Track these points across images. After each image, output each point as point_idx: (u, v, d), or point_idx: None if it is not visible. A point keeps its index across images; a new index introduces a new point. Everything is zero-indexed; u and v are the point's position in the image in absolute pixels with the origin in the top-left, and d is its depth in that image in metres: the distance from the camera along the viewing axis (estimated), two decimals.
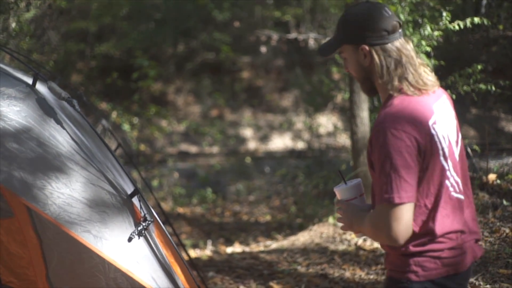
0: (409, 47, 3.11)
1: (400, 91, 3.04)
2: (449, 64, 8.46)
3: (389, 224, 2.89)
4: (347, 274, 6.39)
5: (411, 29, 7.62)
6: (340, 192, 3.26)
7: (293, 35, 11.95)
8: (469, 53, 11.50)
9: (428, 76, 3.12)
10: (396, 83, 3.04)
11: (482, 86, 7.77)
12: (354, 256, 6.73)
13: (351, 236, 7.09)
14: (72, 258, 4.25)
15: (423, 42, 7.55)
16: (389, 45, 3.06)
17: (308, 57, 14.64)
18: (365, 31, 3.06)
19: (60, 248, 4.30)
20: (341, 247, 6.93)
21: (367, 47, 3.06)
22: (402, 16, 7.53)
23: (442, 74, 8.14)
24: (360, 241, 6.97)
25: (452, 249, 3.06)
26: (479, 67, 7.77)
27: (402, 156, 2.88)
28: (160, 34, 16.06)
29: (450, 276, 3.06)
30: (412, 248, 3.03)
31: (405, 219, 2.89)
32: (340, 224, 3.31)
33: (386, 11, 3.08)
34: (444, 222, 3.03)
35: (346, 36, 3.11)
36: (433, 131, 3.00)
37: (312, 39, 12.53)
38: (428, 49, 7.60)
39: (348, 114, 8.04)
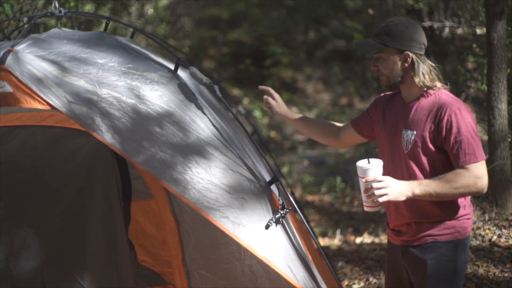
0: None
1: (434, 88, 3.84)
2: None
3: (482, 177, 3.69)
4: (481, 270, 6.21)
5: None
6: (377, 168, 3.71)
7: (428, 23, 11.68)
8: None
9: None
10: (428, 83, 3.83)
11: None
12: (488, 253, 6.52)
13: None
14: (208, 243, 4.29)
15: None
16: (423, 56, 3.86)
17: (441, 45, 14.32)
18: (412, 41, 3.82)
19: (197, 233, 4.34)
20: (475, 242, 6.73)
21: (410, 54, 3.81)
22: None
23: None
24: (494, 237, 6.76)
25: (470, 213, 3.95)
26: None
27: (476, 126, 3.77)
28: (292, 21, 16.05)
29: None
30: (461, 212, 3.87)
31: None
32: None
33: (423, 30, 3.91)
34: None
35: (395, 42, 3.81)
36: None
37: (447, 28, 12.22)
38: None
39: (484, 105, 7.77)
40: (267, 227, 3.75)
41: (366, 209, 3.79)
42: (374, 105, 4.25)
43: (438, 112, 3.76)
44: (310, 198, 10.83)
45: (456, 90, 11.61)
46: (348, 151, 13.15)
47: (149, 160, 3.69)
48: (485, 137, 7.41)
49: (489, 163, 6.92)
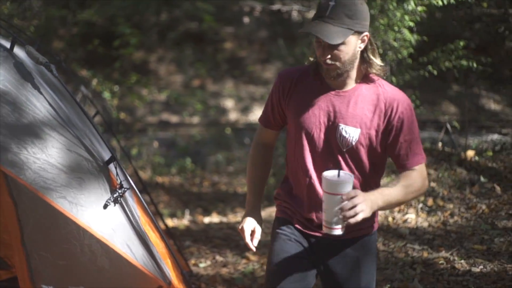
0: None
1: (379, 71, 3.38)
2: (432, 40, 8.46)
3: (426, 177, 3.39)
4: None
5: (394, 4, 7.58)
6: (349, 183, 3.04)
7: (276, 6, 11.88)
8: (452, 29, 11.47)
9: None
10: (381, 66, 3.36)
11: (464, 62, 7.79)
12: None
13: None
14: (47, 223, 4.24)
15: (406, 17, 7.52)
16: None
17: (291, 29, 14.59)
18: (368, 20, 3.24)
19: (36, 214, 4.28)
20: None
21: (368, 35, 3.27)
22: None
23: (424, 50, 8.15)
24: None
25: None
26: (462, 43, 7.78)
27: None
28: (143, 2, 15.93)
29: None
30: None
31: None
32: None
33: None
34: None
35: (359, 24, 3.20)
36: None
37: (295, 11, 12.46)
38: (411, 24, 7.57)
39: None
40: (105, 206, 3.75)
41: (333, 232, 3.08)
42: (281, 86, 3.54)
43: (388, 108, 3.32)
44: (160, 179, 10.85)
45: None
46: (200, 131, 13.23)
47: None
48: None
49: None
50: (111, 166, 3.85)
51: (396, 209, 7.11)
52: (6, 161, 3.60)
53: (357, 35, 3.21)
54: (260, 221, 3.67)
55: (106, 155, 3.97)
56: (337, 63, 3.23)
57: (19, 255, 4.40)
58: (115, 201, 3.76)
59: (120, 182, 3.79)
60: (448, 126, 8.24)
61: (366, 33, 3.24)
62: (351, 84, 3.35)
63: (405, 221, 6.82)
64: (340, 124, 3.33)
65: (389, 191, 3.19)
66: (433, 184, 7.32)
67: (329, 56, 3.22)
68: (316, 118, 3.38)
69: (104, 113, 8.73)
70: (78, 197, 3.70)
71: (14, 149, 3.62)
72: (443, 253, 5.92)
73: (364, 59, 3.33)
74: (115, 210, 3.80)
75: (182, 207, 9.25)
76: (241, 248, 7.01)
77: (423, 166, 3.35)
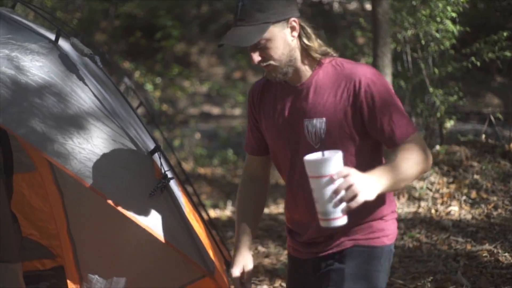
0: None
1: (329, 54, 3.00)
2: (475, 31, 8.39)
3: (426, 147, 2.90)
4: None
5: None
6: (337, 160, 2.56)
7: None
8: (495, 20, 11.36)
9: None
10: (324, 48, 2.97)
11: (507, 53, 7.70)
12: None
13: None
14: (93, 213, 4.29)
15: (449, 8, 7.47)
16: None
17: (332, 20, 14.55)
18: (291, 4, 2.91)
19: (81, 203, 4.34)
20: None
21: (297, 20, 2.91)
22: None
23: (467, 41, 8.08)
24: None
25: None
26: (505, 34, 7.69)
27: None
28: None
29: None
30: (394, 210, 3.14)
31: None
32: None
33: None
34: None
35: (276, 14, 2.86)
36: None
37: (336, 3, 12.43)
38: (454, 15, 7.52)
39: None
40: (149, 196, 3.79)
41: (333, 223, 2.58)
42: (252, 105, 3.24)
43: (350, 85, 2.90)
44: (202, 171, 10.89)
45: None
46: (241, 123, 13.25)
47: (30, 131, 3.65)
48: None
49: None
50: (155, 156, 3.88)
51: (439, 201, 7.06)
52: (52, 151, 3.65)
53: (281, 25, 2.87)
54: (247, 260, 3.39)
55: (151, 145, 4.00)
56: (272, 62, 2.91)
57: (65, 244, 4.46)
58: (160, 191, 3.80)
59: (164, 172, 3.82)
60: (492, 118, 8.15)
61: (293, 18, 2.88)
62: (306, 75, 2.99)
63: (448, 213, 6.78)
64: (304, 120, 2.98)
65: (393, 166, 2.73)
66: (476, 176, 7.26)
67: (259, 59, 2.91)
68: (283, 121, 3.07)
69: (146, 105, 8.81)
70: (123, 186, 3.75)
71: (59, 139, 3.67)
72: (487, 246, 5.88)
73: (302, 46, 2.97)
74: (159, 199, 3.83)
75: (224, 198, 9.28)
76: (283, 239, 7.02)
77: (417, 135, 2.89)
